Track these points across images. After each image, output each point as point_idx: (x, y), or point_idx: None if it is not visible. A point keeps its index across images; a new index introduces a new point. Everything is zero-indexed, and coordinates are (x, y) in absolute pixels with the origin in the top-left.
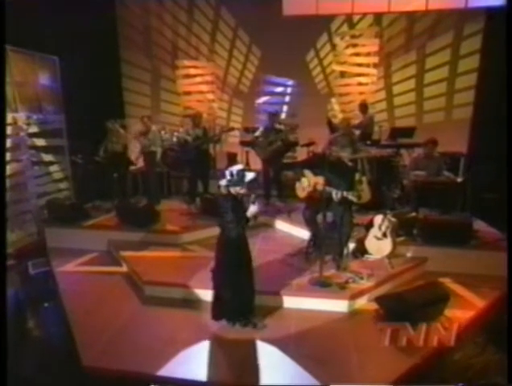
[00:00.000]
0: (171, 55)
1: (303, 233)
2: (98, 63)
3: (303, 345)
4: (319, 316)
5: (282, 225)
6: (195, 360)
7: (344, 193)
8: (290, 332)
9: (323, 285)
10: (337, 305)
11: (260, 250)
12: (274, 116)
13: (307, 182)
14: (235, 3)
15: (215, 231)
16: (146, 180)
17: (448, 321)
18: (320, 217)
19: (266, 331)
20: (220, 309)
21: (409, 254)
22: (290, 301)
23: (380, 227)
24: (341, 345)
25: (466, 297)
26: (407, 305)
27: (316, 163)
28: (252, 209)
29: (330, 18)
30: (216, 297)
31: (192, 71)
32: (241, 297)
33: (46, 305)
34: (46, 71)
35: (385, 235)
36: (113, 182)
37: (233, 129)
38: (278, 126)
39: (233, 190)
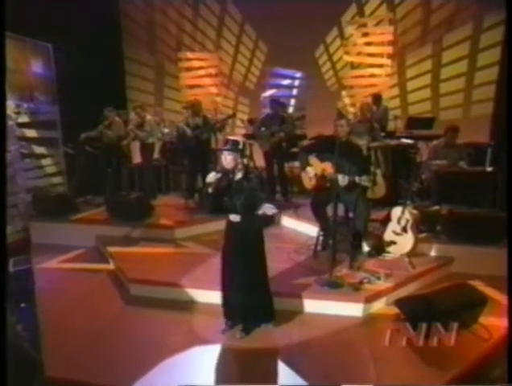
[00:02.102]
0: (175, 51)
1: (310, 230)
2: (98, 55)
3: (310, 355)
4: (328, 321)
5: (287, 221)
6: (181, 369)
7: (356, 178)
8: (293, 340)
9: (333, 286)
10: (350, 309)
11: None
12: (277, 104)
13: (314, 170)
14: None
15: (213, 226)
16: (142, 175)
17: (483, 329)
18: (330, 209)
19: (265, 339)
20: (225, 308)
21: (432, 253)
22: (294, 304)
23: (399, 221)
24: (355, 355)
25: (502, 301)
26: (435, 310)
27: (324, 147)
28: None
29: (341, 11)
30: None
31: (195, 64)
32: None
33: (22, 305)
34: (38, 59)
35: (405, 229)
36: (106, 175)
37: (234, 115)
38: (282, 114)
39: (223, 158)
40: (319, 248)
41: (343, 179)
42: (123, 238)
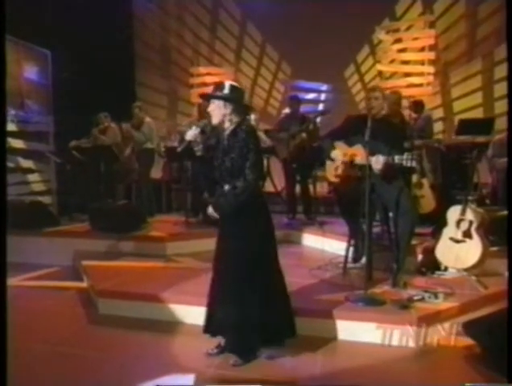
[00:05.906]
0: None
1: (337, 247)
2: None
3: None
4: (364, 351)
5: (310, 240)
6: None
7: (396, 158)
8: (314, 372)
9: (371, 303)
10: (396, 335)
11: None
12: (298, 102)
13: (342, 155)
14: (262, 18)
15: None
16: (139, 186)
17: None
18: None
19: (272, 370)
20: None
21: (507, 272)
22: (315, 326)
23: (458, 224)
24: None
25: None
26: None
27: (354, 129)
28: None
29: (371, 29)
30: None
31: (208, 80)
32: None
33: None
34: (33, 64)
35: (468, 234)
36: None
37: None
38: (303, 113)
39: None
40: (349, 264)
41: (377, 161)
42: (106, 253)
